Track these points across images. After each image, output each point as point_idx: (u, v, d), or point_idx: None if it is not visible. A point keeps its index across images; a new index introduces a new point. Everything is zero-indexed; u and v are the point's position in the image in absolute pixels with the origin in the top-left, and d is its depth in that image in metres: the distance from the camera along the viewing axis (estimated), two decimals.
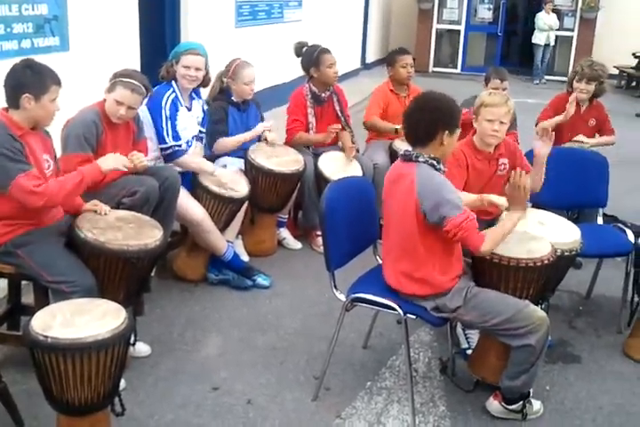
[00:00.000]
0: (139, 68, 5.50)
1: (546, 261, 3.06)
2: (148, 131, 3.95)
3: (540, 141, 3.67)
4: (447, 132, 2.91)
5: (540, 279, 3.12)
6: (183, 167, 4.11)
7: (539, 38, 13.95)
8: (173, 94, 4.12)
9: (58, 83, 3.01)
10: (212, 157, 4.50)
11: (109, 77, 3.53)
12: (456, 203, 2.82)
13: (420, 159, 2.91)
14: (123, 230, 3.17)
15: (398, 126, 5.02)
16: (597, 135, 5.05)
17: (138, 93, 3.49)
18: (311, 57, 4.89)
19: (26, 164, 2.92)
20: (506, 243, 3.07)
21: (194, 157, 4.19)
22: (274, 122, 4.89)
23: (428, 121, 2.90)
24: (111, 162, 3.20)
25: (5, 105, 3.00)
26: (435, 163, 2.91)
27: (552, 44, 14.10)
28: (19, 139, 2.92)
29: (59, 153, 3.33)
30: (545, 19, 13.78)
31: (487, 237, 2.86)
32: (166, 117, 4.03)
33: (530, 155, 3.85)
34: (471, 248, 2.89)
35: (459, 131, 2.99)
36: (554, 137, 3.67)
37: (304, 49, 4.97)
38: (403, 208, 2.93)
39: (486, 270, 3.11)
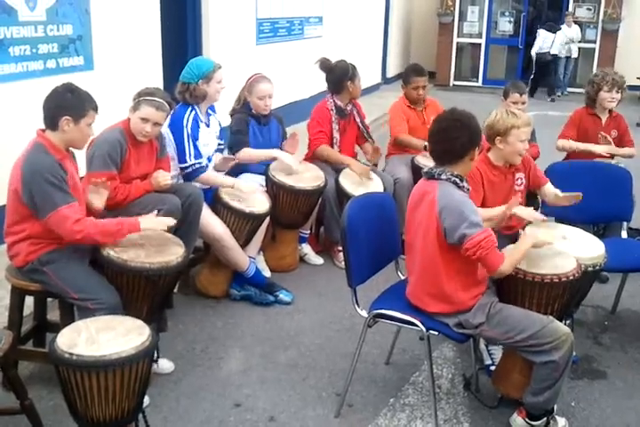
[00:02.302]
0: (161, 86, 5.59)
1: (571, 277, 3.03)
2: (170, 150, 3.99)
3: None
4: (477, 148, 2.95)
5: (564, 295, 3.09)
6: (205, 184, 4.14)
7: (560, 51, 13.77)
8: (193, 112, 4.15)
9: (95, 108, 3.10)
10: (234, 170, 4.53)
11: (133, 97, 3.59)
12: (476, 221, 2.81)
13: (443, 177, 2.91)
14: (145, 248, 3.20)
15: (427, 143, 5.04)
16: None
17: (162, 110, 3.54)
18: (347, 71, 4.96)
19: (70, 195, 2.97)
20: (530, 258, 3.06)
21: (212, 173, 4.20)
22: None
23: (466, 139, 2.90)
24: (151, 224, 3.22)
25: (41, 127, 3.07)
26: (457, 180, 2.92)
27: (574, 56, 13.94)
28: (62, 164, 2.98)
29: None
30: (566, 31, 13.61)
31: (507, 260, 2.84)
32: (188, 136, 4.05)
33: (551, 172, 3.84)
34: (489, 268, 2.87)
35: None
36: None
37: (335, 63, 5.02)
38: (425, 226, 2.93)
39: (510, 286, 3.09)
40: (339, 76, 4.97)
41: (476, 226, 2.80)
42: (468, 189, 2.98)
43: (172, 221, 3.30)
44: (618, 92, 4.88)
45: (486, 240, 2.78)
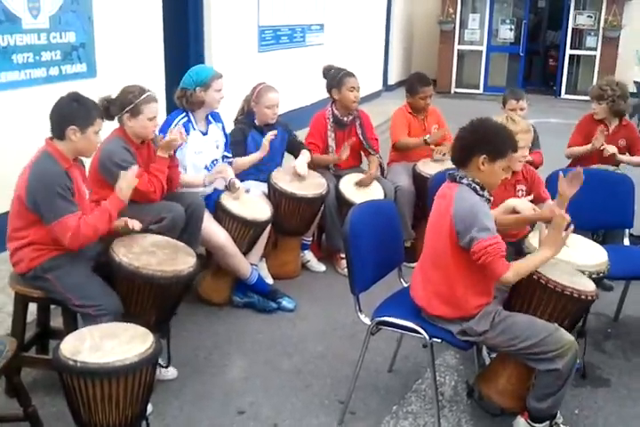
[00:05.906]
0: (164, 93, 5.60)
1: (589, 297, 2.99)
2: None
3: (567, 182, 3.51)
4: (484, 157, 2.89)
5: (577, 313, 3.07)
6: (188, 187, 4.08)
7: None
8: (185, 118, 4.14)
9: (101, 116, 3.13)
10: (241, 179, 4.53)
11: (103, 105, 3.44)
12: (487, 226, 2.80)
13: (464, 181, 2.92)
14: (157, 256, 3.20)
15: (427, 136, 5.04)
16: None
17: (157, 100, 3.64)
18: (334, 78, 4.94)
19: (74, 204, 3.00)
20: (554, 268, 3.05)
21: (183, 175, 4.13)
22: None
23: (465, 143, 2.95)
24: (124, 187, 3.20)
25: (48, 135, 3.08)
26: (478, 187, 2.91)
27: None
28: (69, 173, 3.01)
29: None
30: None
31: (513, 268, 2.82)
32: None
33: (553, 179, 3.83)
34: (494, 275, 2.84)
35: (502, 161, 2.93)
36: (582, 176, 3.48)
37: (331, 71, 5.02)
38: (439, 226, 2.93)
39: (528, 290, 3.04)
40: (326, 84, 4.98)
41: (487, 230, 2.79)
42: (488, 200, 2.95)
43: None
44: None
45: (493, 246, 2.77)
